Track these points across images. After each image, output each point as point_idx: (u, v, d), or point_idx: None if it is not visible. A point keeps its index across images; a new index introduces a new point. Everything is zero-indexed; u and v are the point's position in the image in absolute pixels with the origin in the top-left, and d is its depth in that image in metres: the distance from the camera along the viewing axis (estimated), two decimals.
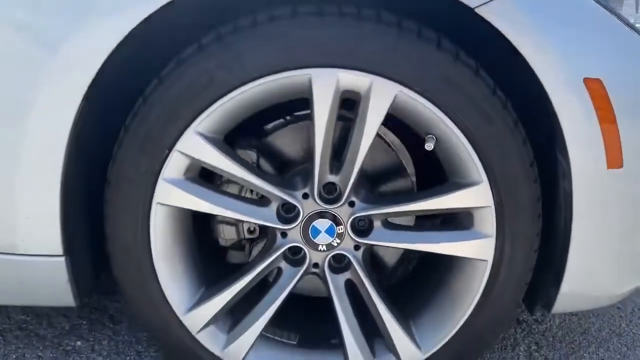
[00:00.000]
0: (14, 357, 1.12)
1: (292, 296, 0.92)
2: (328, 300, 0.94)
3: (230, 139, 0.90)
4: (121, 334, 1.21)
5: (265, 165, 0.97)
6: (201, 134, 0.82)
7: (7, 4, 0.79)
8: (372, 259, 1.00)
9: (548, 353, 1.21)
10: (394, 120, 0.87)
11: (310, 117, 0.82)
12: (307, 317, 1.05)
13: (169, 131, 0.81)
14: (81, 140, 0.83)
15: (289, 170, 0.96)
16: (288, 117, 1.00)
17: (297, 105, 0.97)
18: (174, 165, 0.83)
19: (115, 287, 0.92)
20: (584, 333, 1.30)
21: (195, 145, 0.82)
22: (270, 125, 1.00)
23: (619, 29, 0.83)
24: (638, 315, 1.38)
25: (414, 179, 1.01)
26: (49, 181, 0.82)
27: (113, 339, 1.19)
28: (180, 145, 0.82)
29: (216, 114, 0.81)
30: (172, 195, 0.84)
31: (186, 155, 0.82)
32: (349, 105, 0.85)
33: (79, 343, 1.18)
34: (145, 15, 0.76)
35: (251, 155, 0.95)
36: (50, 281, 0.90)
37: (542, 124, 0.86)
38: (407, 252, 1.13)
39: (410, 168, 1.02)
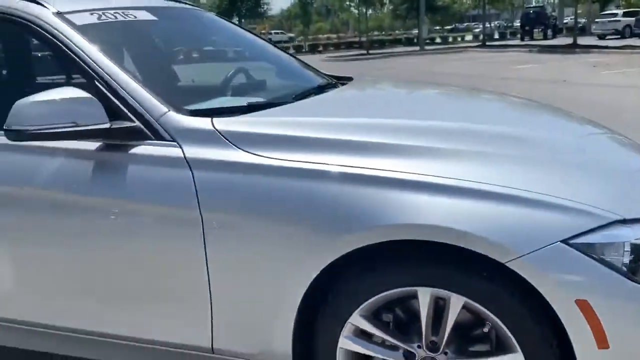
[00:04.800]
0: None
1: None
2: None
3: (377, 311, 1.63)
4: None
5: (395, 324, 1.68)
6: (362, 315, 1.58)
7: None
8: None
9: None
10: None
11: (418, 310, 1.54)
12: None
13: (346, 311, 1.59)
14: (309, 297, 1.61)
15: (409, 329, 1.66)
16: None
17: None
18: (348, 329, 1.60)
19: None
20: None
21: (358, 320, 1.58)
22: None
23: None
24: None
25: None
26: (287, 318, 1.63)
27: None
28: (351, 319, 1.59)
29: (369, 304, 1.57)
30: (346, 344, 1.61)
31: (353, 324, 1.59)
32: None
33: None
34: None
35: (389, 317, 1.67)
36: None
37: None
38: None
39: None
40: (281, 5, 78.05)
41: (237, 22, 41.19)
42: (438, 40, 40.22)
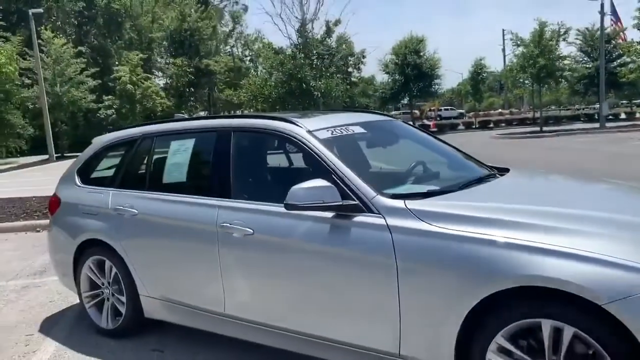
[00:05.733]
0: None
1: None
2: None
3: (515, 335, 2.37)
4: None
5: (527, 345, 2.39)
6: (503, 336, 2.34)
7: None
8: None
9: None
10: None
11: (542, 335, 2.25)
12: None
13: (492, 332, 2.36)
14: (468, 320, 2.43)
15: (537, 349, 2.35)
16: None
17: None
18: (493, 346, 2.37)
19: None
20: None
21: (501, 340, 2.34)
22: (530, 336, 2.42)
23: None
24: None
25: None
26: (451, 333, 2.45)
27: None
28: (496, 339, 2.35)
29: (508, 329, 2.33)
30: (492, 356, 2.37)
31: (497, 342, 2.35)
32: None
33: None
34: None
35: (524, 342, 2.38)
36: None
37: None
38: None
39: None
40: (452, 83, 79.44)
41: (407, 100, 42.66)
42: (623, 115, 37.74)
